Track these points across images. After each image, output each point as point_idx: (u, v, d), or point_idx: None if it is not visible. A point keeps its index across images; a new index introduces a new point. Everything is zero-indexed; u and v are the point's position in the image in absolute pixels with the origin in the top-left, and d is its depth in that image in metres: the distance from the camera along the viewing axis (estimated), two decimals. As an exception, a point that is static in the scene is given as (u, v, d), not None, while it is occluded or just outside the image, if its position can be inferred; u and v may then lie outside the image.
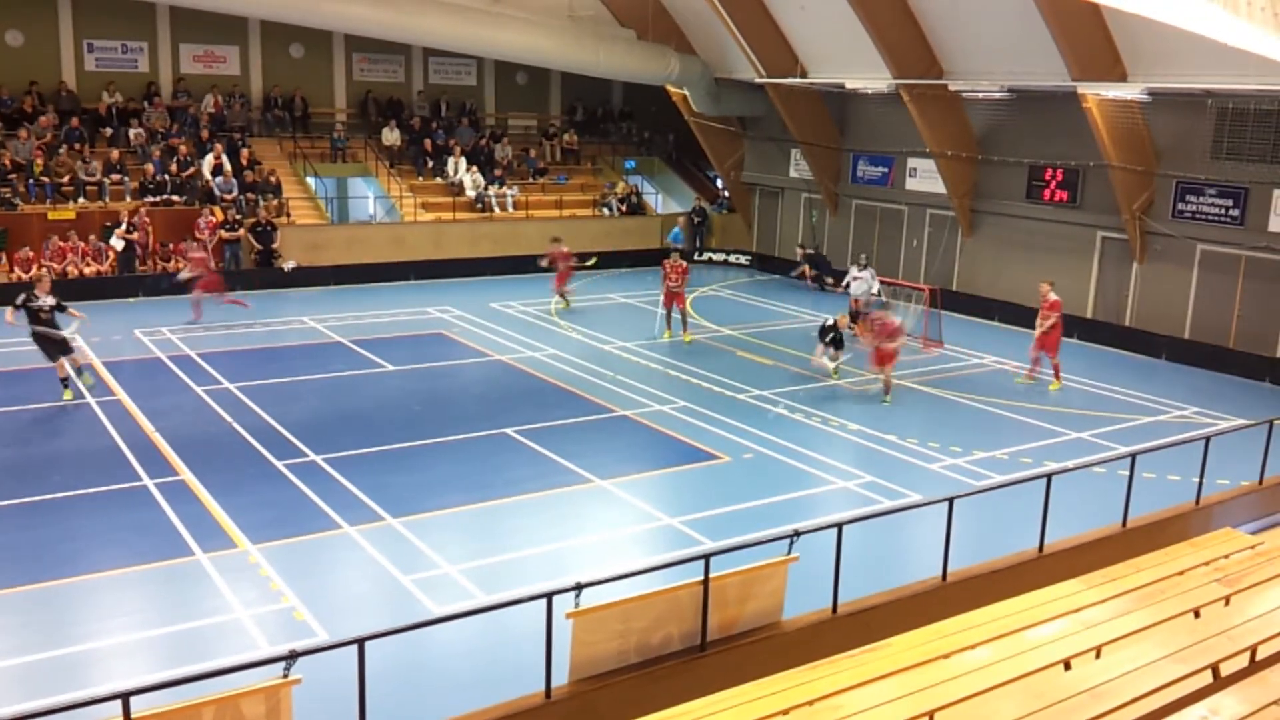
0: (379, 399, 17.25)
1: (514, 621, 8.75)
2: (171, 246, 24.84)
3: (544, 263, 24.49)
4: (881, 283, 23.41)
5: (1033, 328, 19.11)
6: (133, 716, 5.94)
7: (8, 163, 24.69)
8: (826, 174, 29.17)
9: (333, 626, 9.54)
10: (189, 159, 26.65)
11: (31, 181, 24.60)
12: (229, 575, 10.64)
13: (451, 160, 30.22)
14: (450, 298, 25.10)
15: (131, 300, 23.66)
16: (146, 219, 24.75)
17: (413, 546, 11.41)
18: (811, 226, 30.19)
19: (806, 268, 28.57)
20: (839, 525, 8.97)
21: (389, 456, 14.32)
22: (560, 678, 7.70)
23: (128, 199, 25.37)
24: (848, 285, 23.28)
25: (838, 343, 18.60)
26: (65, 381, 16.27)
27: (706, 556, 8.24)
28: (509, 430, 15.38)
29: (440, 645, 9.28)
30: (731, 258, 31.92)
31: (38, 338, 16.14)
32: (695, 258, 30.20)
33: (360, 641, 6.72)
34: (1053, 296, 18.48)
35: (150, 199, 25.43)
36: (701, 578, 8.16)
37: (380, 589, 10.54)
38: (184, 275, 22.37)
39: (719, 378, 18.74)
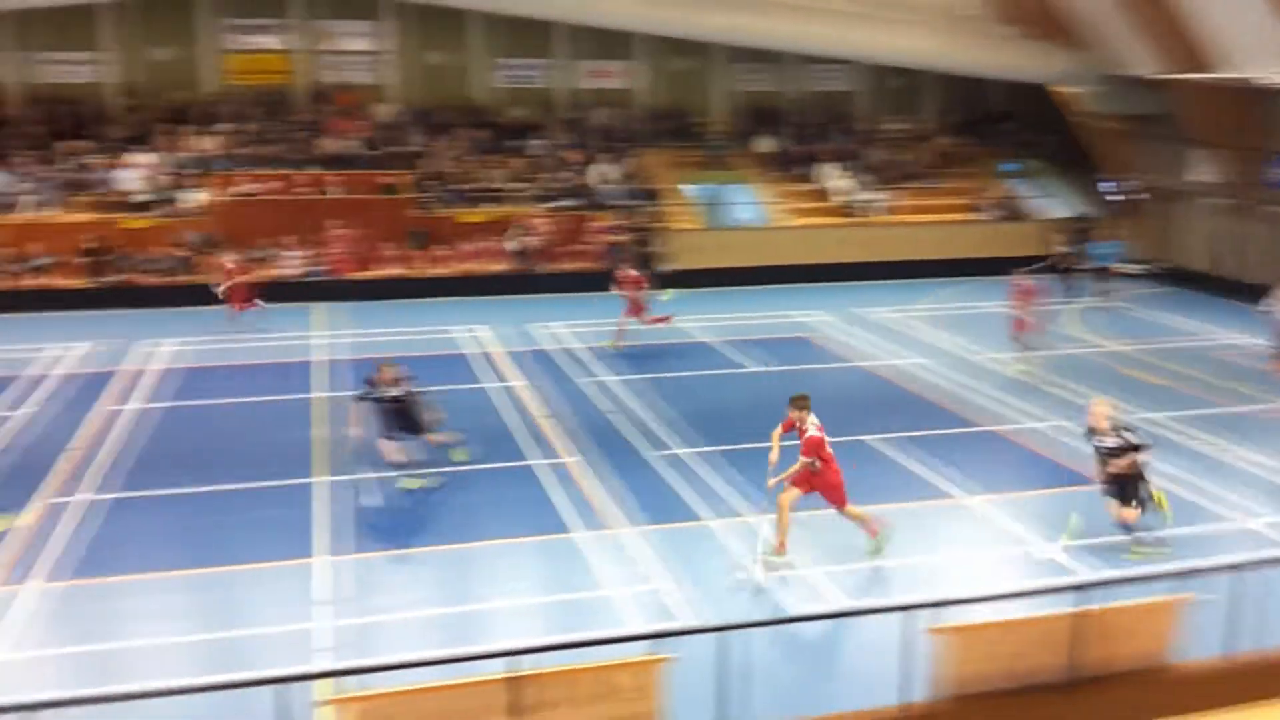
0: (740, 399, 17.71)
1: (872, 630, 8.72)
2: (564, 248, 26.91)
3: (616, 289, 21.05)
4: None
5: None
6: (520, 674, 6.55)
7: (429, 170, 27.82)
8: (1239, 177, 26.29)
9: (695, 612, 9.95)
10: (582, 168, 28.72)
11: (447, 188, 27.56)
12: (601, 554, 11.40)
13: (822, 166, 30.37)
14: (816, 302, 25.22)
15: (527, 296, 25.83)
16: (537, 224, 26.94)
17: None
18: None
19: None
20: (1238, 566, 8.13)
21: (749, 455, 14.63)
22: (917, 693, 7.57)
23: (528, 205, 27.74)
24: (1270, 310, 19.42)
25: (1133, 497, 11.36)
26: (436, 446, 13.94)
27: (1083, 586, 7.77)
28: (867, 438, 15.23)
29: (797, 643, 9.41)
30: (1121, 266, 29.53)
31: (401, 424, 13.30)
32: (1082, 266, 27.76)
33: (723, 629, 6.99)
34: None
35: (547, 205, 27.67)
36: (1075, 608, 7.71)
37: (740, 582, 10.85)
38: (221, 288, 22.21)
39: (1100, 395, 17.46)
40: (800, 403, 11.44)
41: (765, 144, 30.98)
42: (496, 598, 10.58)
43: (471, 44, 30.39)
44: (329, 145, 27.77)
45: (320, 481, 13.49)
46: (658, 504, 12.88)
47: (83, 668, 9.23)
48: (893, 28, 27.44)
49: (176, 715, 8.14)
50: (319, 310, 23.81)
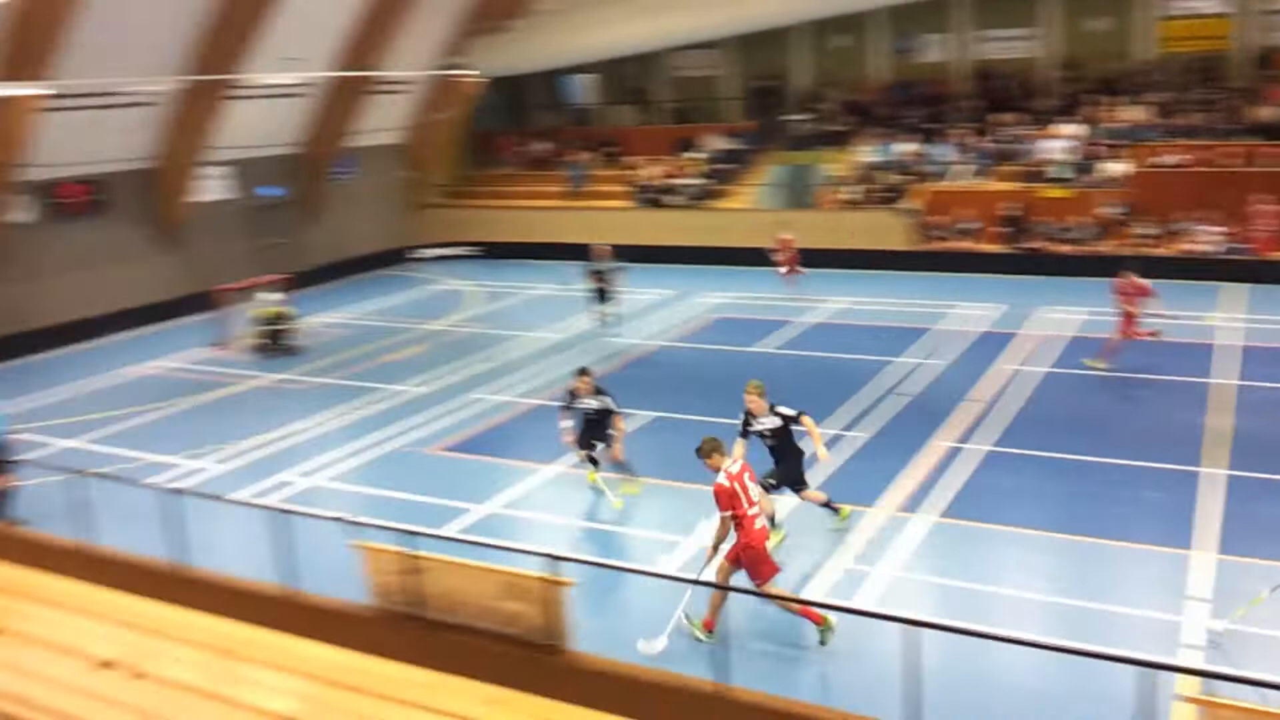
0: None
1: None
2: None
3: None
4: None
5: None
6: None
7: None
8: None
9: None
10: None
11: None
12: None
13: None
14: None
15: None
16: None
17: None
18: None
19: None
20: None
21: None
22: None
23: None
24: None
25: None
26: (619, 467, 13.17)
27: None
28: None
29: None
30: None
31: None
32: None
33: None
34: None
35: None
36: None
37: None
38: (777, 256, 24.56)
39: None
40: (707, 447, 9.36)
41: None
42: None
43: None
44: (1264, 114, 25.38)
45: (1210, 473, 12.77)
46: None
47: (952, 598, 10.23)
48: None
49: (1027, 668, 8.80)
50: (1230, 291, 22.19)
